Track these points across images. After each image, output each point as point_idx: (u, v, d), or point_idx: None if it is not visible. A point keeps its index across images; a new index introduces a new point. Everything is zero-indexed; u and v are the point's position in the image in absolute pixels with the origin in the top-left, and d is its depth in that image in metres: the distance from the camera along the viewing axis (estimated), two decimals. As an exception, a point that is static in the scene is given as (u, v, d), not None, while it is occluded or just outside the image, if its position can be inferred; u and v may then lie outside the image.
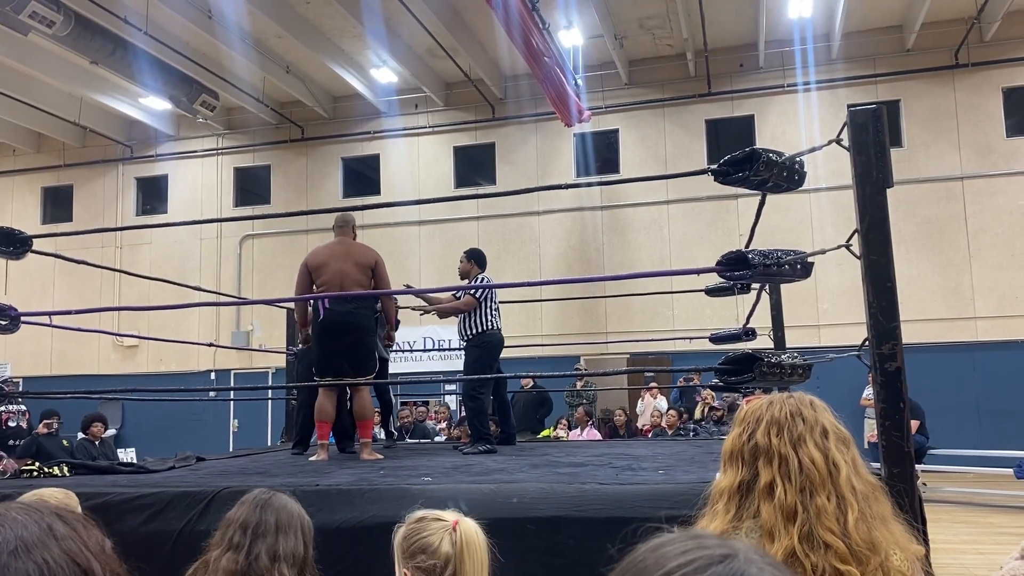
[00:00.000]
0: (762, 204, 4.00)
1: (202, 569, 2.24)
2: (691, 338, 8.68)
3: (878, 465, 3.20)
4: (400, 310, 7.62)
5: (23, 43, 12.64)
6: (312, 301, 5.89)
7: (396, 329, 6.43)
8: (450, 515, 2.01)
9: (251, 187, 16.85)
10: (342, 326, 5.73)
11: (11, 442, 9.84)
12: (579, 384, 11.81)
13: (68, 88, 14.71)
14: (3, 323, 4.60)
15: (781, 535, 1.50)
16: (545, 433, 10.90)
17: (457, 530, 1.95)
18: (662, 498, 3.25)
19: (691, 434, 10.09)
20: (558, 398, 12.34)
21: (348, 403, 6.39)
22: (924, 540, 2.95)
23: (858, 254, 3.22)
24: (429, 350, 13.42)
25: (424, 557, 1.91)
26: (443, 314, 7.08)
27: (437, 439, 10.75)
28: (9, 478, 5.85)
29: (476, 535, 1.96)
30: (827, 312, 13.16)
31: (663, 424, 10.68)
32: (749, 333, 6.17)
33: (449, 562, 1.90)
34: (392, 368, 14.93)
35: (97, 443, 8.79)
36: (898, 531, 1.57)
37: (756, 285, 5.64)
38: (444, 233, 15.19)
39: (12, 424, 10.78)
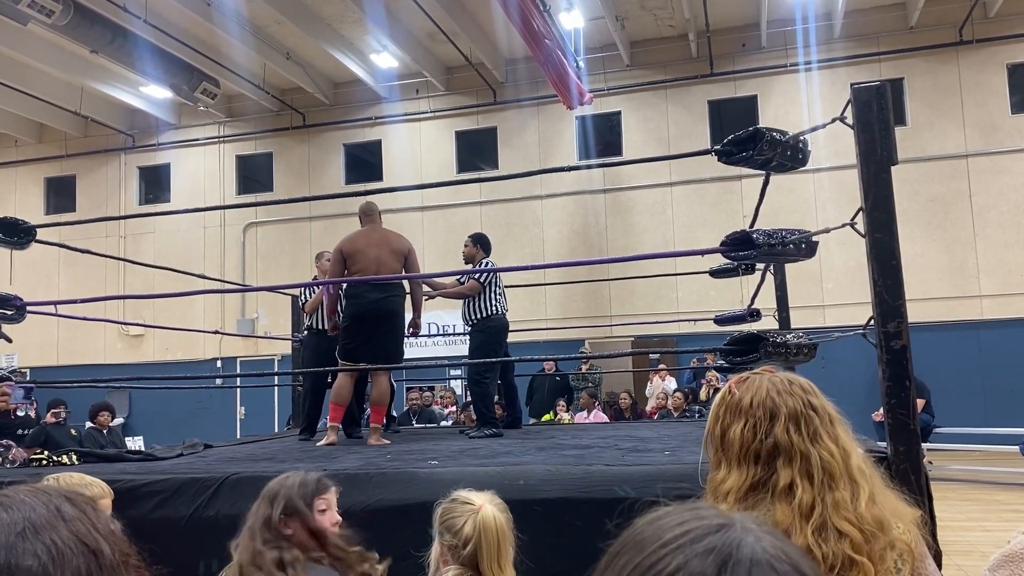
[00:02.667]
0: (766, 184, 3.99)
1: None
2: (696, 320, 8.69)
3: (884, 444, 3.21)
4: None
5: (22, 33, 12.61)
6: (334, 287, 5.90)
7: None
8: (481, 498, 2.17)
9: (253, 175, 16.83)
10: (381, 314, 5.76)
11: (19, 432, 9.88)
12: (584, 367, 11.82)
13: (68, 78, 14.68)
14: (9, 313, 4.61)
15: (796, 534, 1.45)
16: (547, 418, 10.91)
17: (478, 514, 2.11)
18: (667, 479, 3.26)
19: (696, 415, 10.11)
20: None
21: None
22: (931, 518, 2.96)
23: (863, 232, 3.22)
24: (434, 335, 13.42)
25: (449, 537, 2.09)
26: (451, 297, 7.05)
27: (444, 423, 10.79)
28: (18, 467, 5.89)
29: (494, 520, 2.10)
30: (831, 292, 13.14)
31: (668, 406, 10.70)
32: (754, 314, 6.17)
33: (468, 543, 2.05)
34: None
35: (105, 432, 8.83)
36: (893, 499, 1.56)
37: (760, 266, 5.63)
38: (447, 218, 15.17)
39: (20, 414, 10.83)
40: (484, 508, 2.14)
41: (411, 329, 6.25)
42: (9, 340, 3.70)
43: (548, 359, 6.45)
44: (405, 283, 6.21)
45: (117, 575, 0.70)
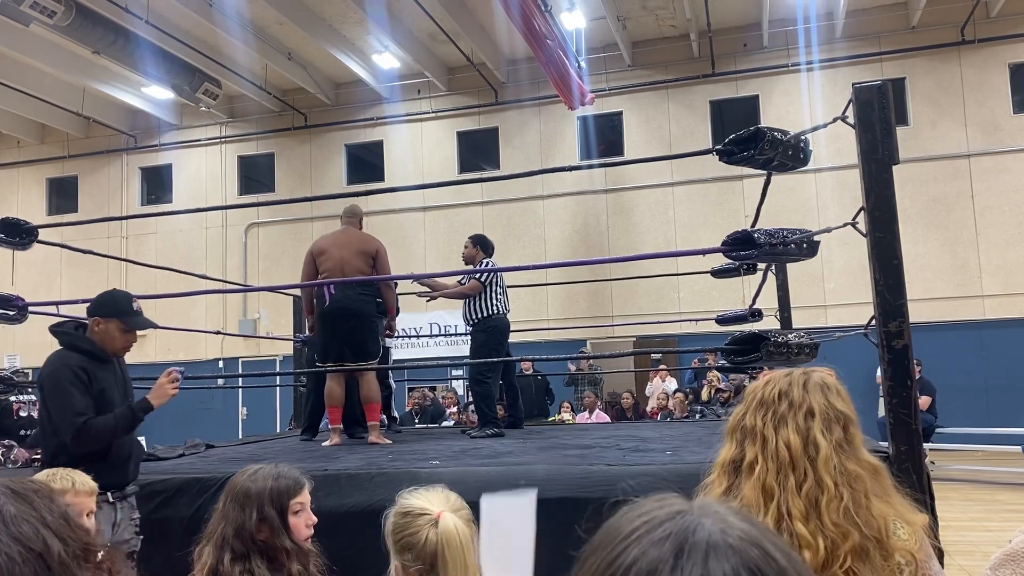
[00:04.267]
0: (767, 184, 3.99)
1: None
2: (697, 320, 8.69)
3: (886, 443, 3.20)
4: (405, 296, 7.63)
5: (25, 34, 12.62)
6: (316, 288, 5.94)
7: (395, 318, 6.45)
8: (437, 502, 1.91)
9: (255, 175, 16.85)
10: (342, 312, 5.82)
11: (22, 432, 9.90)
12: (574, 367, 11.68)
13: (70, 78, 14.69)
14: (11, 313, 4.63)
15: (761, 514, 1.54)
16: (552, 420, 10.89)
17: (439, 525, 1.83)
18: (669, 478, 3.26)
19: (698, 415, 10.11)
20: (562, 382, 12.33)
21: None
22: (933, 518, 2.96)
23: (864, 232, 3.21)
24: (435, 335, 13.43)
25: (411, 556, 1.84)
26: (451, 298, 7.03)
27: (445, 423, 10.79)
28: (20, 467, 5.90)
29: (456, 531, 1.82)
30: (833, 292, 13.13)
31: (669, 406, 10.69)
32: (755, 314, 6.16)
33: (435, 566, 1.81)
34: (398, 354, 14.91)
35: (107, 432, 8.82)
36: (901, 504, 1.58)
37: (762, 265, 5.63)
38: (448, 219, 15.18)
39: (23, 414, 10.84)
40: (444, 517, 1.84)
41: (386, 331, 6.26)
42: (156, 326, 3.71)
43: (525, 359, 6.39)
44: (415, 283, 6.20)
45: (69, 571, 0.65)
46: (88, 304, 3.53)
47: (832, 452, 1.57)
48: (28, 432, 9.72)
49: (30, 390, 10.98)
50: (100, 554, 0.70)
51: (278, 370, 13.87)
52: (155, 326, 3.69)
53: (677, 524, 0.63)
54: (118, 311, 3.47)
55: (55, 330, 3.51)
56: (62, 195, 17.60)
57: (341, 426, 5.98)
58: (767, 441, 1.61)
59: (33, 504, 0.66)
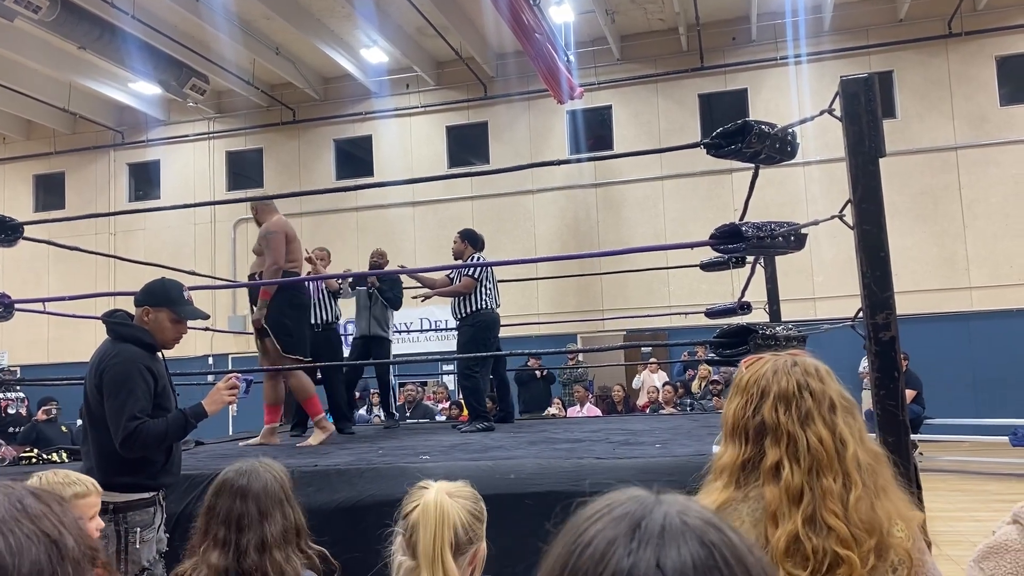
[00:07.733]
0: (755, 177, 4.00)
1: (192, 568, 2.21)
2: (687, 313, 8.71)
3: (874, 436, 3.22)
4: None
5: (9, 29, 12.51)
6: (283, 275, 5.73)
7: None
8: (440, 484, 1.98)
9: (243, 171, 16.78)
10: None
11: (11, 429, 9.86)
12: (571, 361, 11.71)
13: (56, 74, 14.59)
14: (-3, 311, 4.60)
15: (785, 519, 1.44)
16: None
17: (424, 497, 1.92)
18: (659, 471, 3.27)
19: (688, 408, 10.14)
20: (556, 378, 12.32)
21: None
22: (921, 509, 2.97)
23: (851, 224, 3.22)
24: (426, 330, 13.42)
25: (402, 524, 1.94)
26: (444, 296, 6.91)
27: (437, 418, 10.78)
28: (8, 465, 5.87)
29: (434, 505, 1.88)
30: (822, 285, 13.18)
31: (659, 399, 10.71)
32: (744, 307, 6.18)
33: (413, 531, 1.89)
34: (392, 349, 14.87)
35: (96, 429, 8.78)
36: (899, 500, 1.52)
37: (751, 258, 5.65)
38: (438, 214, 15.15)
39: (11, 411, 10.79)
40: (430, 491, 1.93)
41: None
42: (207, 316, 3.53)
43: (515, 353, 6.46)
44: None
45: (81, 568, 0.72)
46: (135, 294, 3.34)
47: (856, 445, 1.50)
48: (16, 429, 9.67)
49: (19, 387, 10.93)
50: (101, 562, 0.78)
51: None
52: (206, 316, 3.50)
53: (635, 504, 0.66)
54: (169, 300, 3.29)
55: (109, 320, 3.29)
56: (49, 192, 17.49)
57: (323, 415, 5.69)
58: (795, 439, 1.48)
59: (51, 507, 0.74)
